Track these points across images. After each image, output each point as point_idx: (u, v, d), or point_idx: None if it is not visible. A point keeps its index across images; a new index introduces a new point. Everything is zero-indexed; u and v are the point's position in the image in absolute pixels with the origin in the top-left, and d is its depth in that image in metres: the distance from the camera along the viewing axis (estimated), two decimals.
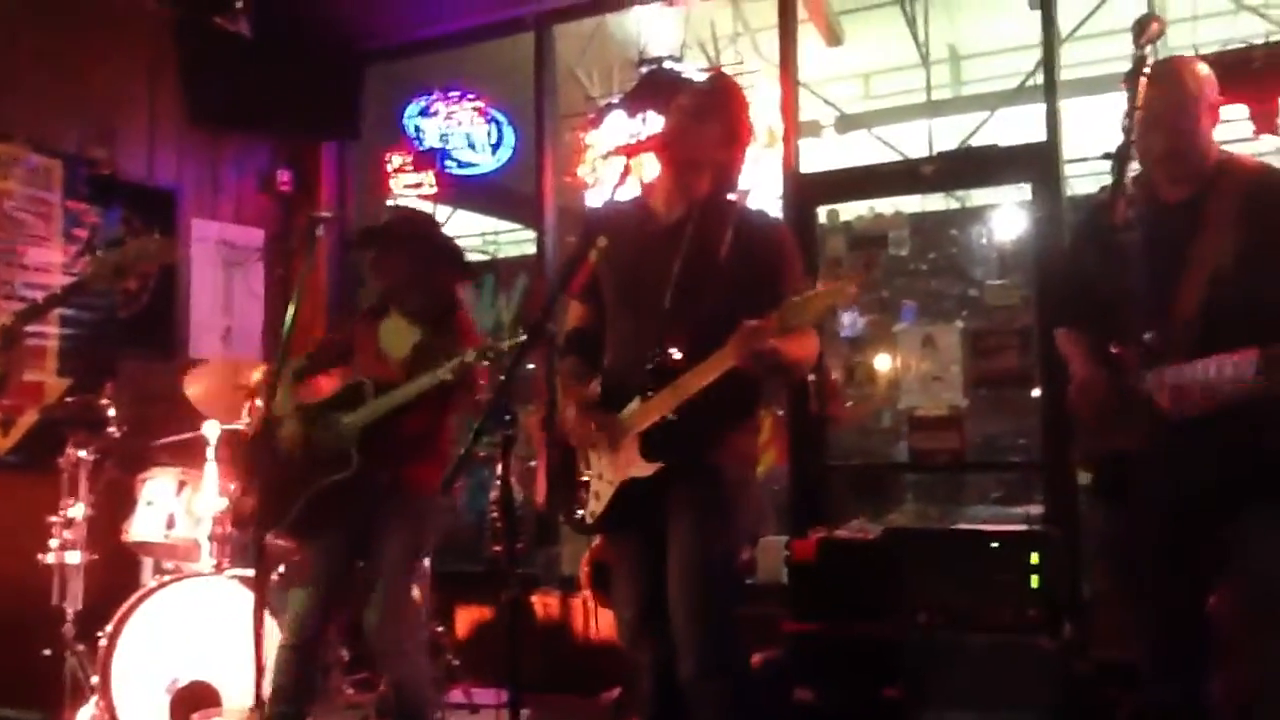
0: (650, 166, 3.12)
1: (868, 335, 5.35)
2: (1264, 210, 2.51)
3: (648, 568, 2.85)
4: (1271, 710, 2.46)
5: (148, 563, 4.62)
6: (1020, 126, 5.10)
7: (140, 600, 4.11)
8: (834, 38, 6.77)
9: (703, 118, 2.85)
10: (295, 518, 3.62)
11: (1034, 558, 3.95)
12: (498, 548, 4.61)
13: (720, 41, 6.27)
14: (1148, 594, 2.65)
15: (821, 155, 6.81)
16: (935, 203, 7.88)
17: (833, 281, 2.55)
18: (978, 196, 7.74)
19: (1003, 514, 5.67)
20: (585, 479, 2.93)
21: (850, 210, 5.45)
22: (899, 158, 5.29)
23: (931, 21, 6.34)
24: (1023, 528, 4.24)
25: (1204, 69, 2.67)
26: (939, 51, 7.57)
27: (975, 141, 5.36)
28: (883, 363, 5.37)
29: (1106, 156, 2.14)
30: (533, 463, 5.84)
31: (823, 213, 5.38)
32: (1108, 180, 2.66)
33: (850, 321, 5.51)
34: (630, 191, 3.21)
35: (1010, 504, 5.72)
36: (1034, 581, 3.95)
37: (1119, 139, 2.21)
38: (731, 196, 2.96)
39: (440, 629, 5.00)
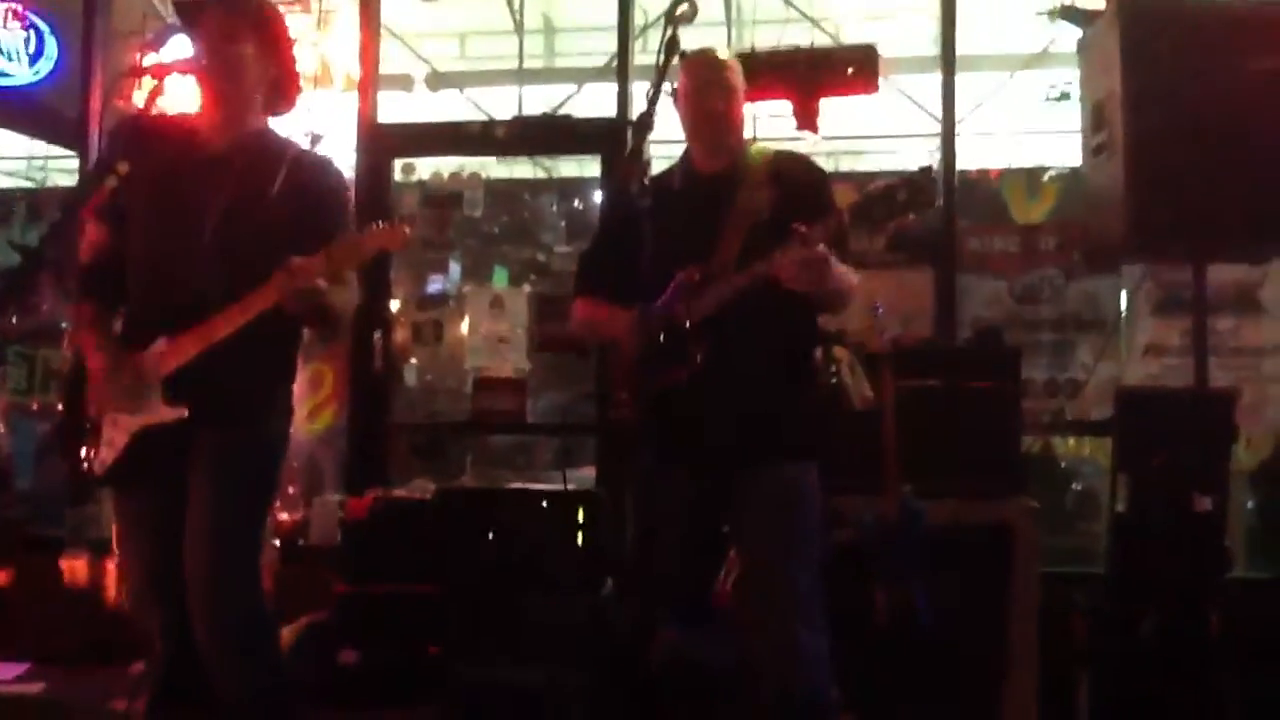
0: (196, 93, 2.88)
1: (436, 294, 5.33)
2: (785, 176, 2.81)
3: (161, 525, 2.65)
4: (767, 671, 2.69)
5: None
6: (609, 103, 5.28)
7: None
8: None
9: (234, 38, 2.67)
10: None
11: (580, 516, 4.11)
12: None
13: None
14: (670, 543, 2.80)
15: (411, 109, 6.71)
16: (525, 171, 8.02)
17: (386, 225, 2.54)
18: (566, 168, 7.96)
19: (567, 477, 5.86)
20: (99, 425, 2.67)
21: (427, 167, 5.40)
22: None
23: None
24: (572, 488, 4.40)
25: (734, 59, 2.91)
26: (534, 21, 7.69)
27: (563, 113, 5.46)
28: (451, 323, 5.37)
29: (630, 124, 2.24)
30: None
31: (398, 168, 5.29)
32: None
33: (427, 281, 5.48)
34: (166, 114, 2.97)
35: (572, 467, 5.92)
36: (580, 540, 4.11)
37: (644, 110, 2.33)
38: (291, 135, 2.82)
39: None
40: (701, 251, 2.75)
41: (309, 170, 2.75)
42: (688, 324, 2.68)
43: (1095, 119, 3.58)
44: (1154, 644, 3.36)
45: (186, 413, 2.57)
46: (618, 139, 4.96)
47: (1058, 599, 3.74)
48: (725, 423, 2.72)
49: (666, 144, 3.21)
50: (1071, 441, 5.77)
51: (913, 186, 2.55)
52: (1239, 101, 3.23)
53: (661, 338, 2.67)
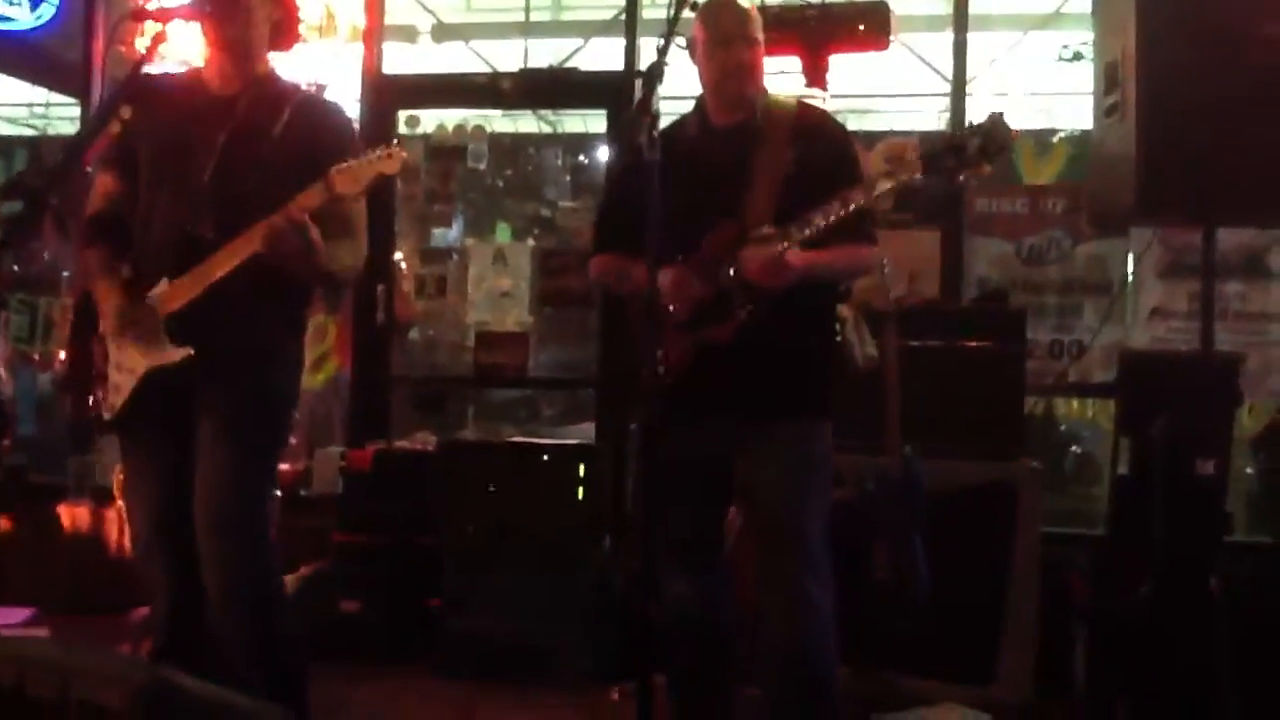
0: (199, 39, 2.85)
1: (440, 248, 5.31)
2: (809, 131, 2.76)
3: (167, 471, 2.65)
4: (775, 624, 2.70)
5: None
6: (616, 57, 5.22)
7: None
8: None
9: None
10: None
11: (581, 470, 4.11)
12: None
13: None
14: (679, 497, 2.78)
15: (416, 61, 6.66)
16: (530, 125, 7.96)
17: (384, 149, 2.51)
18: (572, 123, 7.90)
19: (568, 432, 5.87)
20: (106, 372, 2.66)
21: (432, 120, 5.36)
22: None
23: None
24: (573, 442, 4.40)
25: (749, 6, 2.81)
26: None
27: (570, 67, 5.42)
28: (454, 277, 5.35)
29: (639, 75, 2.21)
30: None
31: (402, 120, 5.26)
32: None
33: (430, 234, 5.46)
34: (168, 61, 2.95)
35: (574, 422, 5.93)
36: (580, 494, 4.11)
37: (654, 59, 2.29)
38: (299, 82, 2.79)
39: None
40: (727, 208, 2.69)
41: (315, 112, 2.74)
42: (733, 278, 2.63)
43: (1108, 80, 3.53)
44: (1153, 606, 3.37)
45: (192, 352, 2.55)
46: (625, 94, 4.91)
47: (1058, 560, 3.75)
48: (754, 377, 2.68)
49: (676, 100, 3.16)
50: (1074, 404, 5.77)
51: (985, 136, 2.49)
52: (1254, 65, 3.18)
53: (707, 296, 2.63)
